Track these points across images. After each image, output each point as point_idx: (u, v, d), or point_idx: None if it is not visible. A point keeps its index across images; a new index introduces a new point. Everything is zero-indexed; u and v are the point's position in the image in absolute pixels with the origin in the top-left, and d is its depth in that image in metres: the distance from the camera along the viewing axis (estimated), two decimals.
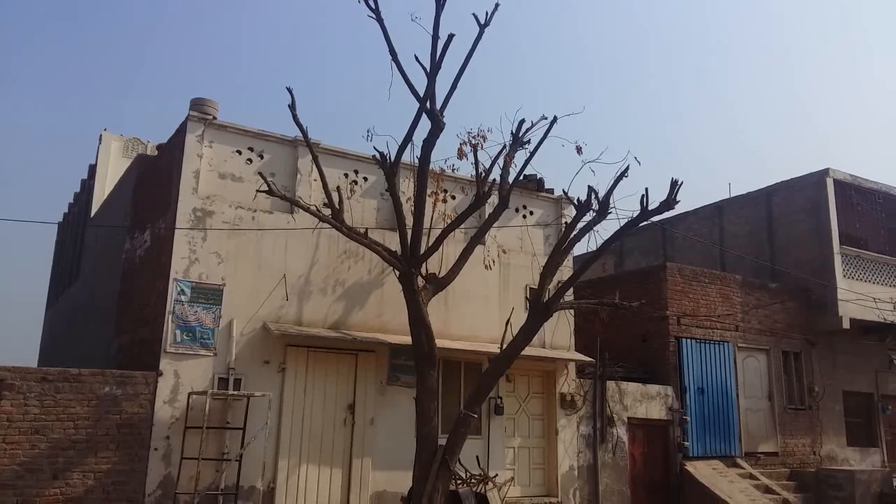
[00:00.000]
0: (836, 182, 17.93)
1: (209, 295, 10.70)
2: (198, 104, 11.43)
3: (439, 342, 10.90)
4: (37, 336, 22.85)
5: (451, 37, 10.38)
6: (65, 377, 9.48)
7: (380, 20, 10.38)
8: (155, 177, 12.60)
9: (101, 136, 19.50)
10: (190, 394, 10.23)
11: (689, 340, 15.57)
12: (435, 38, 10.42)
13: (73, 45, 54.80)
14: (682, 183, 10.61)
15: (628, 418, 14.48)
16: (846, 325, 17.09)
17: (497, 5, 10.75)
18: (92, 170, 19.44)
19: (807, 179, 18.24)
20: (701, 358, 15.66)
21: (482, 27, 10.67)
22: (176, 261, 10.58)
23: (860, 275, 17.84)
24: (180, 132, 11.35)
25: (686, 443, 14.93)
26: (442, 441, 10.51)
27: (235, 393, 10.46)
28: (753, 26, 55.48)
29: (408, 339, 10.82)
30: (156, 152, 13.99)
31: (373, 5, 10.31)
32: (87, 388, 9.56)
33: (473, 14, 10.60)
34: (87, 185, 19.67)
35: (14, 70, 51.73)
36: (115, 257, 13.87)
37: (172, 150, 11.71)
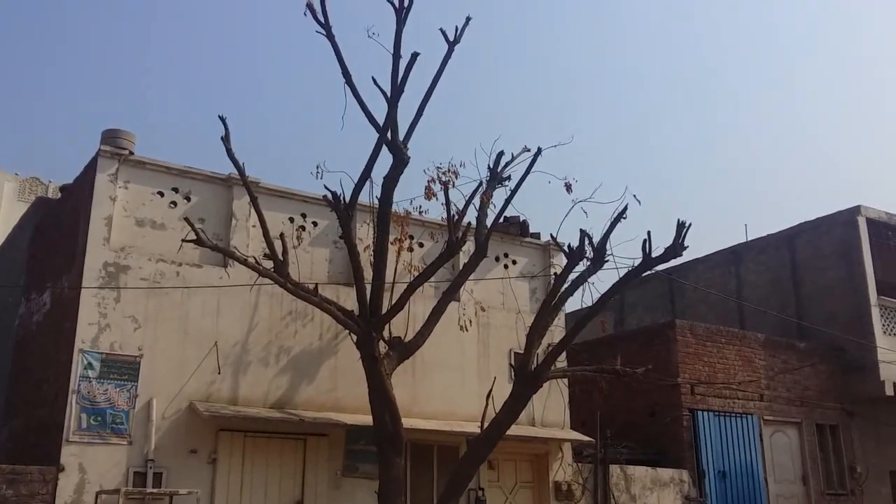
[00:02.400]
0: (868, 221, 18.33)
1: (123, 369, 10.46)
2: (111, 136, 11.35)
3: (407, 422, 10.74)
4: None
5: (414, 55, 10.53)
6: None
7: (330, 36, 10.50)
8: (57, 224, 12.43)
9: None
10: (98, 493, 9.90)
11: (705, 413, 15.56)
12: (396, 57, 10.57)
13: None
14: (690, 225, 10.76)
15: None
16: (889, 391, 17.26)
17: (468, 19, 10.97)
18: None
19: (835, 219, 18.62)
20: (721, 434, 15.63)
21: (451, 44, 10.85)
22: (82, 327, 10.36)
23: None
24: (89, 170, 11.24)
25: None
26: None
27: (155, 491, 10.15)
28: (771, 52, 57.33)
29: (368, 419, 10.65)
30: (59, 195, 13.81)
31: (321, 19, 10.44)
32: None
33: (441, 30, 10.80)
34: None
35: None
36: (7, 324, 13.57)
37: (79, 191, 11.58)
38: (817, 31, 56.46)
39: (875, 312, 17.73)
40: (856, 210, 18.37)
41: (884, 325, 17.83)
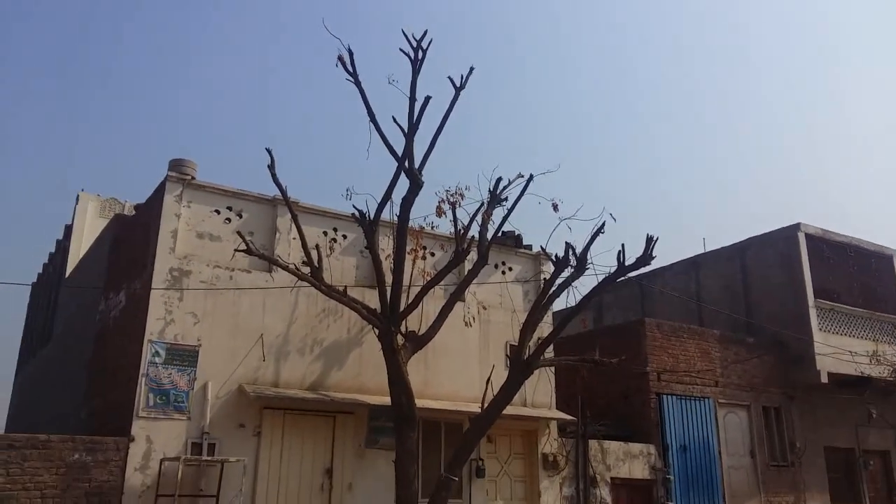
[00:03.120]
0: (807, 236, 18.22)
1: (184, 356, 10.48)
2: (177, 164, 11.41)
3: (419, 402, 10.70)
4: (5, 401, 22.20)
5: (427, 99, 10.55)
6: (32, 444, 9.13)
7: (357, 83, 10.52)
8: (131, 237, 12.47)
9: (77, 195, 19.36)
10: (162, 460, 9.90)
11: (669, 397, 15.46)
12: (412, 100, 10.58)
13: (51, 103, 54.97)
14: (657, 239, 10.72)
15: (611, 478, 14.22)
16: (824, 378, 17.11)
17: (472, 69, 10.98)
18: (68, 230, 19.21)
19: (779, 234, 18.52)
20: (682, 414, 15.54)
21: (458, 90, 10.85)
22: (151, 321, 10.38)
23: (835, 328, 17.97)
24: (158, 192, 11.29)
25: (670, 502, 14.67)
26: None
27: (209, 459, 10.13)
28: (731, 78, 57.25)
29: (387, 400, 10.63)
30: (133, 212, 13.89)
31: (350, 69, 10.47)
32: (55, 455, 9.20)
33: (449, 77, 10.80)
34: (63, 246, 19.42)
35: None
36: (89, 319, 13.60)
37: (150, 209, 11.63)
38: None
39: (812, 313, 17.60)
40: (796, 227, 18.27)
41: (819, 323, 17.69)
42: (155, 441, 9.98)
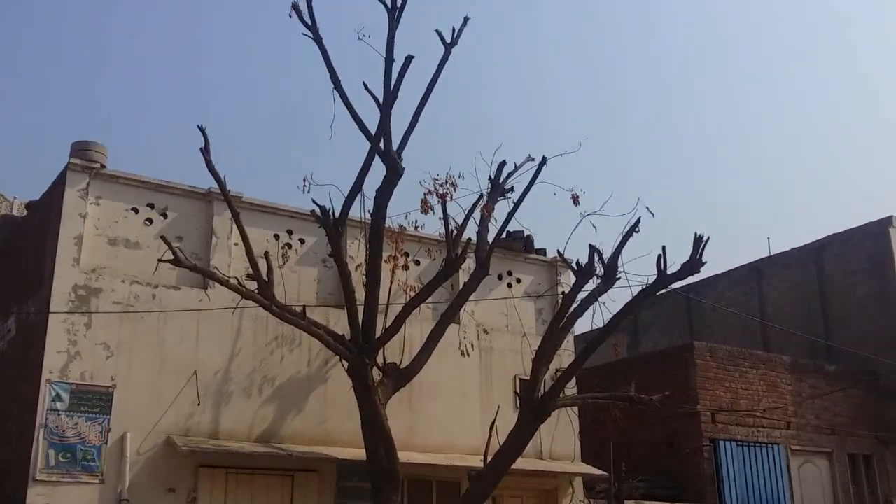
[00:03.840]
0: None
1: (94, 401, 10.44)
2: (81, 148, 11.36)
3: (403, 455, 10.70)
4: None
5: (409, 59, 10.57)
6: None
7: (317, 38, 10.55)
8: (23, 244, 12.44)
9: None
10: None
11: (728, 443, 15.50)
12: (389, 60, 10.61)
13: None
14: (708, 239, 10.79)
15: None
16: None
17: (466, 19, 11.04)
18: None
19: (866, 230, 18.63)
20: (745, 466, 15.57)
21: (448, 47, 10.90)
22: (50, 356, 10.33)
23: None
24: (57, 185, 11.26)
25: None
26: None
27: None
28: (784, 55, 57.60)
29: (361, 453, 10.62)
30: (24, 212, 13.81)
31: (308, 21, 10.49)
32: None
33: (437, 31, 10.84)
34: None
35: None
36: None
37: (46, 208, 11.59)
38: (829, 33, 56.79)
39: None
40: (887, 221, 18.38)
41: None
42: None
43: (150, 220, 11.44)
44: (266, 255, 10.82)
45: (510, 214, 11.50)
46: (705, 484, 15.14)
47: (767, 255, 20.69)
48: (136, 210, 11.39)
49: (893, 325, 17.80)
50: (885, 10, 50.48)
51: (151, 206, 11.50)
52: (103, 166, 11.28)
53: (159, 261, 10.48)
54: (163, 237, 10.52)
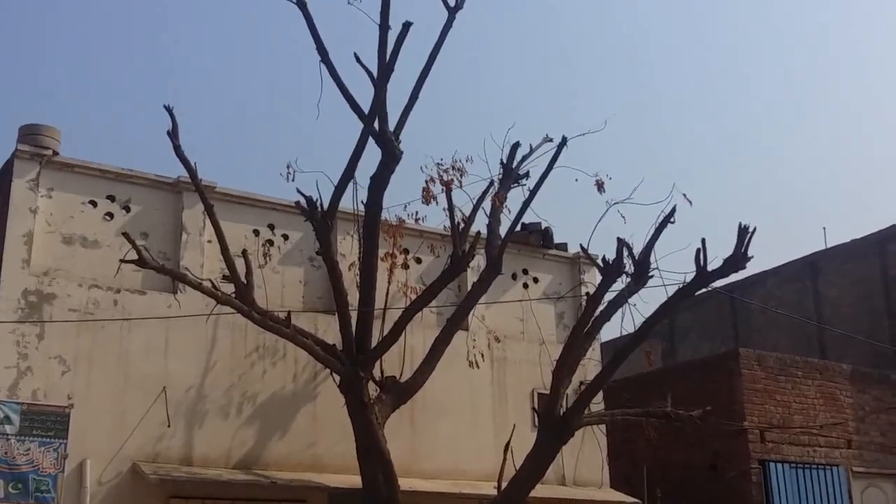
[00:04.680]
0: None
1: (49, 423, 10.45)
2: (30, 132, 11.37)
3: (404, 482, 10.71)
4: None
5: (406, 25, 10.56)
6: None
7: (301, 2, 10.53)
8: None
9: None
10: None
11: (780, 465, 15.47)
12: (384, 27, 10.60)
13: None
14: (755, 230, 10.77)
15: None
16: None
17: None
18: None
19: None
20: (799, 491, 15.53)
21: (452, 11, 10.90)
22: None
23: None
24: (4, 174, 11.27)
25: None
26: None
27: None
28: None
29: (356, 481, 10.63)
30: None
31: None
32: None
33: None
34: None
35: None
36: None
37: None
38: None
39: None
40: None
41: None
42: None
43: (110, 215, 11.46)
44: (244, 253, 10.80)
45: (526, 204, 11.49)
46: None
47: (824, 247, 20.64)
48: (94, 203, 11.40)
49: None
50: None
51: (112, 198, 11.52)
52: (56, 153, 11.29)
53: (122, 261, 10.45)
54: (125, 234, 10.51)
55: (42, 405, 10.50)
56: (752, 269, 11.53)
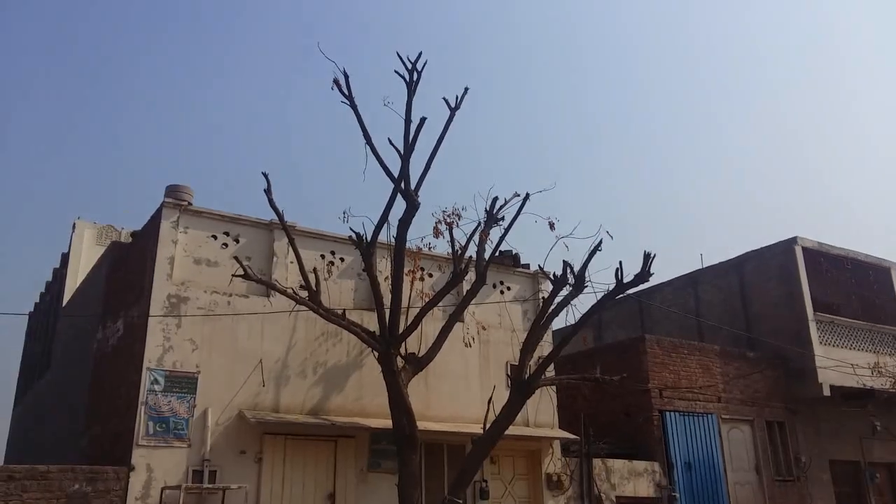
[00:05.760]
0: (804, 249, 18.24)
1: (183, 383, 10.43)
2: (173, 190, 11.44)
3: (421, 424, 10.65)
4: (4, 432, 22.03)
5: (422, 120, 10.60)
6: (32, 475, 9.05)
7: (353, 106, 10.59)
8: (129, 264, 12.46)
9: (74, 223, 19.36)
10: (163, 489, 9.82)
11: (672, 413, 15.39)
12: (407, 121, 10.64)
13: (46, 133, 55.15)
14: (654, 256, 10.75)
15: (616, 497, 14.12)
16: (826, 392, 17.05)
17: (466, 89, 11.07)
18: (64, 258, 19.20)
19: (776, 248, 18.54)
20: (686, 431, 15.46)
21: (453, 110, 10.93)
22: (149, 349, 10.35)
23: (836, 341, 17.93)
24: (155, 219, 11.30)
25: None
26: None
27: (211, 486, 10.05)
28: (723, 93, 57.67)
29: (388, 423, 10.58)
30: (130, 239, 13.87)
31: (346, 92, 10.54)
32: (55, 485, 9.12)
33: (444, 98, 10.88)
34: (60, 274, 19.39)
35: None
36: (87, 347, 13.54)
37: (147, 236, 11.63)
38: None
39: (812, 326, 17.58)
40: (793, 240, 18.29)
41: (820, 336, 17.66)
42: (155, 469, 9.90)
43: (225, 245, 11.48)
44: (314, 270, 10.81)
45: (501, 238, 11.50)
46: (655, 445, 15.01)
47: (701, 267, 20.61)
48: (214, 237, 11.43)
49: (798, 320, 17.68)
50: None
51: (227, 233, 11.54)
52: (190, 204, 11.33)
53: (233, 276, 10.49)
54: (235, 257, 10.54)
55: (179, 372, 10.50)
56: (653, 281, 11.52)
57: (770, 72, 55.33)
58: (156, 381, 10.25)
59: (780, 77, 55.03)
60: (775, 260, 18.47)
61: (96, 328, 13.18)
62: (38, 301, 22.12)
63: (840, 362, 17.26)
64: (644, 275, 10.70)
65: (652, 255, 10.70)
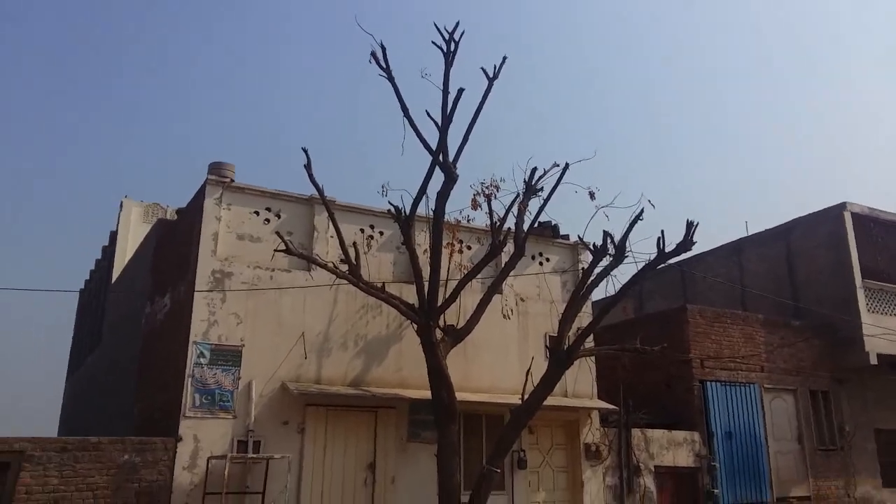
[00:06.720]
0: (853, 215, 17.66)
1: (228, 356, 10.61)
2: (216, 168, 11.53)
3: (459, 395, 10.68)
4: (57, 405, 22.79)
5: (460, 91, 10.46)
6: (84, 446, 9.35)
7: (391, 78, 10.48)
8: (174, 241, 12.66)
9: (121, 202, 19.74)
10: (209, 458, 10.05)
11: (713, 383, 15.18)
12: (445, 93, 10.50)
13: (93, 114, 56.22)
14: (697, 224, 10.53)
15: (655, 467, 14.04)
16: (874, 360, 16.61)
17: (505, 58, 10.86)
18: (113, 236, 19.62)
19: (824, 214, 17.99)
20: (727, 401, 15.24)
21: (491, 80, 10.75)
22: (195, 323, 10.52)
23: (885, 308, 17.41)
24: (199, 196, 11.42)
25: (716, 490, 14.40)
26: (465, 498, 10.21)
27: (255, 456, 10.26)
28: (766, 62, 55.89)
29: (427, 394, 10.62)
30: (175, 217, 14.08)
31: (384, 65, 10.43)
32: (106, 456, 9.41)
33: (482, 68, 10.70)
34: (108, 252, 19.84)
35: (34, 141, 53.02)
36: (136, 322, 13.86)
37: (191, 213, 11.78)
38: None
39: (860, 294, 17.07)
40: (842, 206, 17.72)
41: (868, 305, 17.15)
42: (202, 440, 10.13)
43: (267, 221, 11.55)
44: (354, 244, 10.86)
45: (540, 209, 11.34)
46: (695, 415, 14.85)
47: (746, 235, 20.13)
48: (257, 213, 11.50)
49: (846, 287, 17.18)
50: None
51: (269, 209, 11.60)
52: (232, 181, 11.41)
53: (275, 251, 10.58)
54: (277, 233, 10.62)
55: (224, 345, 10.66)
56: (696, 250, 11.27)
57: (845, 37, 53.29)
58: (202, 355, 10.43)
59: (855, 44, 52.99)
60: (823, 227, 17.92)
61: (144, 304, 13.46)
62: (88, 279, 22.71)
63: (888, 330, 16.78)
64: (686, 243, 10.49)
65: (695, 224, 10.49)
